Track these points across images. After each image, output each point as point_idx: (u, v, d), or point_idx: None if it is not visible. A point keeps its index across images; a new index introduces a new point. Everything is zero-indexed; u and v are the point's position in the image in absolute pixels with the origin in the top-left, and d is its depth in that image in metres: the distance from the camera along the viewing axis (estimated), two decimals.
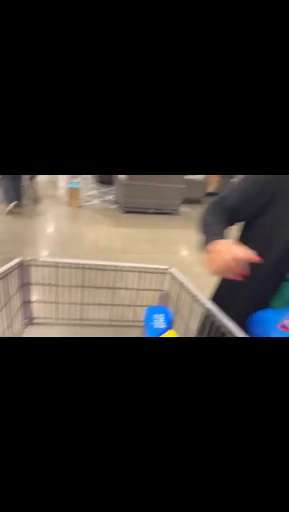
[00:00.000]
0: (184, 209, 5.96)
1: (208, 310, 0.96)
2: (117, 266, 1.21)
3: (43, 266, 1.09)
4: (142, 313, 1.32)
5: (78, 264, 1.14)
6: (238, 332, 0.80)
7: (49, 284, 1.12)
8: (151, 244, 3.94)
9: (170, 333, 1.03)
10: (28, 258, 1.05)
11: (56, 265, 1.11)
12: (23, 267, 1.04)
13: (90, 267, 1.16)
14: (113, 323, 1.32)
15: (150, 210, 5.69)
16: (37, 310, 1.17)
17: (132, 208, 5.60)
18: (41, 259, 1.07)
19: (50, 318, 1.19)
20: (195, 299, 1.05)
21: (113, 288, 1.23)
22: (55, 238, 3.80)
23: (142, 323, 1.31)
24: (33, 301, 1.13)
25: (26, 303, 1.10)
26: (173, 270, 1.27)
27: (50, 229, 4.12)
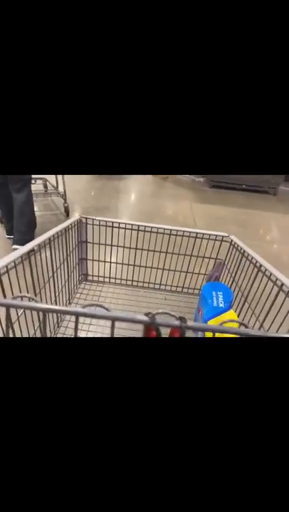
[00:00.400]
0: (285, 188, 4.80)
1: (278, 281, 0.86)
2: (172, 229, 1.17)
3: (99, 225, 1.10)
4: (194, 281, 1.29)
5: (133, 225, 1.13)
6: None
7: (104, 244, 1.13)
8: (240, 227, 3.17)
9: (230, 314, 0.98)
10: (85, 216, 1.06)
11: (112, 225, 1.11)
12: (81, 225, 1.05)
13: (144, 229, 1.14)
14: (166, 287, 1.30)
15: (242, 187, 4.75)
16: (92, 267, 1.20)
17: (219, 183, 4.94)
18: (98, 218, 1.08)
19: (104, 276, 1.22)
20: (260, 270, 0.97)
21: (166, 252, 1.20)
22: (135, 210, 3.61)
23: (195, 291, 1.29)
24: (89, 259, 1.16)
25: (82, 260, 1.13)
26: (233, 237, 1.20)
27: (131, 201, 3.95)
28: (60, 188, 2.83)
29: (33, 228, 1.85)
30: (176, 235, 1.18)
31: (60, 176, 2.83)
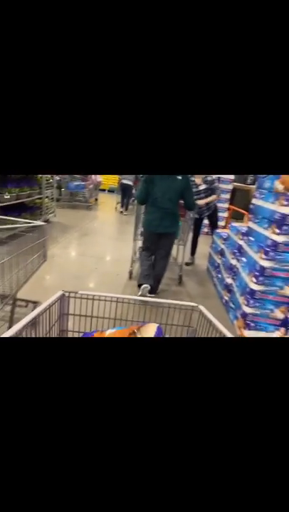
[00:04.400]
0: None
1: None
2: (148, 301, 1.29)
3: (81, 298, 1.19)
4: None
5: (112, 297, 1.23)
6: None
7: (85, 316, 1.22)
8: None
9: None
10: (68, 291, 1.15)
11: (93, 298, 1.21)
12: (63, 299, 1.14)
13: (122, 301, 1.25)
14: None
15: None
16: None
17: None
18: (79, 292, 1.18)
19: None
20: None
21: (144, 322, 1.30)
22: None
23: None
24: (69, 330, 1.23)
25: (63, 331, 1.19)
26: (201, 307, 1.32)
27: None
28: None
29: None
30: (152, 306, 1.30)
31: None
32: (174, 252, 3.52)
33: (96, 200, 8.93)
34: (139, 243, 3.48)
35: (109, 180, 11.48)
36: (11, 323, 1.97)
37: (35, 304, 2.24)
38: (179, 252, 3.76)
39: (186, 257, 4.02)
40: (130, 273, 3.62)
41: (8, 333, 0.82)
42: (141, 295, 2.75)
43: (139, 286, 2.87)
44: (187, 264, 4.35)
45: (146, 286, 2.80)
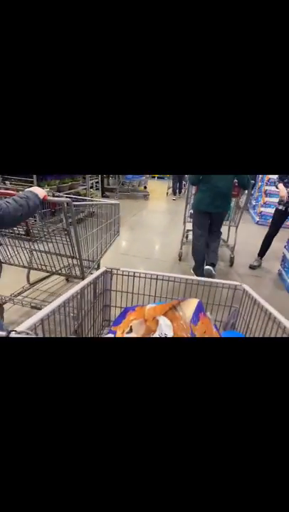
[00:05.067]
0: None
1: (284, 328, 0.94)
2: (188, 279, 1.26)
3: (122, 275, 1.19)
4: None
5: (153, 275, 1.22)
6: None
7: (126, 292, 1.21)
8: None
9: None
10: (110, 267, 1.16)
11: (134, 275, 1.20)
12: (106, 275, 1.15)
13: (162, 278, 1.23)
14: None
15: None
16: (114, 314, 1.26)
17: None
18: (121, 268, 1.18)
19: None
20: (270, 318, 1.04)
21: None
22: None
23: None
24: (112, 306, 1.23)
25: (106, 306, 1.20)
26: (246, 286, 1.28)
27: None
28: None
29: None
30: (192, 284, 1.27)
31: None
32: (224, 234, 3.52)
33: (145, 188, 8.02)
34: (189, 226, 3.40)
35: None
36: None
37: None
38: (231, 233, 3.72)
39: (238, 239, 3.64)
40: (180, 255, 3.63)
41: (57, 302, 0.83)
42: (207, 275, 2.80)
43: (196, 274, 2.95)
44: (252, 267, 3.55)
45: (209, 268, 2.83)
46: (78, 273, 2.10)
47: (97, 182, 6.09)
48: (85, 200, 2.42)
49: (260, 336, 1.10)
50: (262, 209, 6.03)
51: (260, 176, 6.47)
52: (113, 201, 2.46)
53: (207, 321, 1.14)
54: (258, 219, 6.06)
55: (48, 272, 2.24)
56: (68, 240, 1.98)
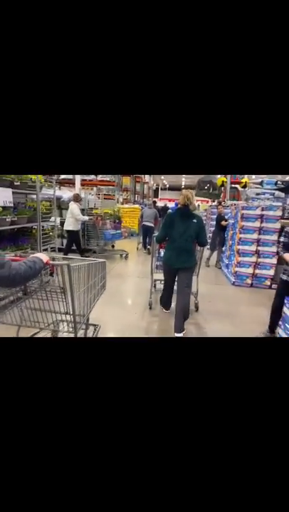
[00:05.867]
0: None
1: None
2: None
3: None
4: None
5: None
6: None
7: None
8: None
9: None
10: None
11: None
12: None
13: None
14: None
15: None
16: None
17: None
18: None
19: None
20: None
21: None
22: None
23: None
24: None
25: None
26: None
27: None
28: None
29: None
30: None
31: None
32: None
33: (113, 246, 8.36)
34: (156, 276, 4.20)
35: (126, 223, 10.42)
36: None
37: (96, 326, 3.02)
38: (193, 282, 4.04)
39: (201, 286, 4.26)
40: (150, 304, 4.16)
41: None
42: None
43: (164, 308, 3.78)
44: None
45: (179, 336, 3.24)
46: (71, 329, 2.25)
47: (52, 247, 5.27)
48: (76, 260, 2.59)
49: None
50: (236, 269, 5.75)
51: (230, 233, 6.40)
52: (100, 260, 2.76)
53: None
54: (233, 279, 5.77)
55: (40, 328, 2.40)
56: (63, 297, 2.21)
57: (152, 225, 7.75)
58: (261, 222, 5.41)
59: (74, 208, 6.13)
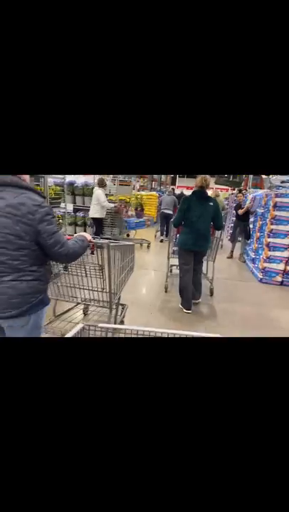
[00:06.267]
0: None
1: None
2: (169, 333, 1.26)
3: (101, 331, 1.25)
4: None
5: (133, 330, 1.25)
6: None
7: None
8: None
9: None
10: (88, 324, 1.23)
11: (113, 331, 1.25)
12: (84, 333, 1.22)
13: (142, 334, 1.25)
14: None
15: None
16: None
17: None
18: (99, 325, 1.24)
19: None
20: None
21: None
22: None
23: None
24: None
25: None
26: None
27: None
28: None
29: None
30: (175, 337, 1.26)
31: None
32: (204, 268, 4.10)
33: (128, 235, 8.00)
34: (172, 261, 4.21)
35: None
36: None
37: (124, 306, 3.15)
38: (209, 267, 4.27)
39: (216, 271, 4.21)
40: (166, 287, 4.21)
41: None
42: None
43: (184, 308, 3.57)
44: None
45: (188, 313, 3.44)
46: (106, 304, 2.43)
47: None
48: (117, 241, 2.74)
49: None
50: (265, 264, 5.06)
51: (258, 224, 5.68)
52: (130, 243, 2.96)
53: None
54: (261, 276, 5.11)
55: (76, 302, 2.57)
56: (101, 274, 2.40)
57: (171, 212, 7.54)
58: None
59: (99, 193, 5.76)
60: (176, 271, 4.16)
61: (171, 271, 4.43)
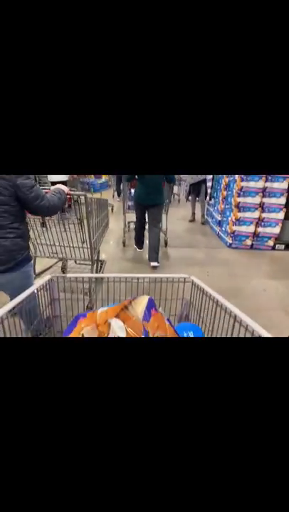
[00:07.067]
0: None
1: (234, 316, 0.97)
2: (138, 277, 1.29)
3: (70, 281, 1.28)
4: None
5: (103, 278, 1.28)
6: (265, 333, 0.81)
7: (76, 299, 1.30)
8: None
9: None
10: (56, 275, 1.25)
11: (82, 280, 1.28)
12: (52, 284, 1.24)
13: (107, 280, 1.28)
14: None
15: None
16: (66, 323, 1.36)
17: None
18: (68, 275, 1.26)
19: None
20: (218, 305, 1.07)
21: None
22: None
23: None
24: (62, 315, 1.32)
25: (56, 317, 1.30)
26: (194, 278, 1.26)
27: None
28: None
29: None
30: (144, 282, 1.30)
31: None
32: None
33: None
34: (128, 217, 4.43)
35: None
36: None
37: (102, 262, 3.19)
38: (164, 219, 4.33)
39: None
40: (123, 242, 4.37)
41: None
42: (153, 267, 3.56)
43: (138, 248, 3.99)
44: None
45: (155, 265, 3.56)
46: (87, 256, 2.42)
47: None
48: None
49: (211, 324, 1.11)
50: (234, 227, 4.46)
51: (224, 182, 4.96)
52: (104, 198, 3.02)
53: (160, 316, 1.19)
54: (230, 241, 4.54)
55: (58, 258, 2.59)
56: (80, 228, 2.41)
57: None
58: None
59: None
60: (133, 227, 4.29)
61: (129, 227, 4.71)
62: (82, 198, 2.16)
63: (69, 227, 2.43)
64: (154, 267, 3.57)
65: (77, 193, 2.17)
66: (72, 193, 1.99)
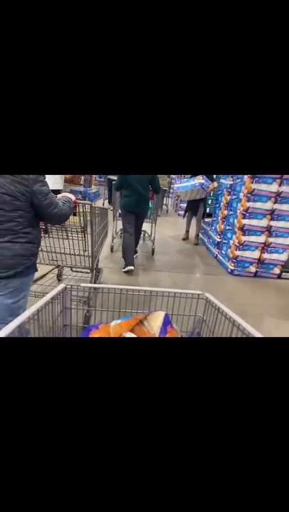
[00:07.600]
0: None
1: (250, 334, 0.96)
2: (152, 290, 1.28)
3: (83, 291, 1.26)
4: None
5: (116, 289, 1.27)
6: None
7: (88, 309, 1.28)
8: None
9: None
10: (70, 284, 1.23)
11: (94, 290, 1.26)
12: (66, 293, 1.22)
13: (126, 292, 1.27)
14: None
15: None
16: (76, 333, 1.34)
17: None
18: (81, 284, 1.24)
19: None
20: (234, 324, 1.05)
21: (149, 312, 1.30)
22: None
23: None
24: (73, 325, 1.30)
25: (66, 326, 1.28)
26: (208, 295, 1.26)
27: None
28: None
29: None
30: (157, 296, 1.29)
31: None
32: (147, 229, 4.74)
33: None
34: (119, 223, 4.45)
35: None
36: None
37: (99, 270, 3.22)
38: (152, 228, 4.64)
39: (158, 232, 4.53)
40: (111, 248, 4.47)
41: (12, 325, 0.89)
42: (126, 271, 3.64)
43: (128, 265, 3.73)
44: None
45: (131, 269, 3.64)
46: (88, 264, 2.44)
47: None
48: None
49: None
50: (238, 253, 3.88)
51: (224, 199, 4.49)
52: (104, 207, 3.17)
53: (174, 333, 1.17)
54: (232, 267, 3.97)
55: (57, 266, 2.58)
56: (82, 236, 2.38)
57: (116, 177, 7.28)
58: (281, 183, 3.55)
59: None
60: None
61: (118, 233, 4.83)
62: (87, 206, 2.19)
63: (72, 235, 2.42)
64: (129, 271, 3.66)
65: (83, 201, 2.20)
66: (79, 201, 2.02)
